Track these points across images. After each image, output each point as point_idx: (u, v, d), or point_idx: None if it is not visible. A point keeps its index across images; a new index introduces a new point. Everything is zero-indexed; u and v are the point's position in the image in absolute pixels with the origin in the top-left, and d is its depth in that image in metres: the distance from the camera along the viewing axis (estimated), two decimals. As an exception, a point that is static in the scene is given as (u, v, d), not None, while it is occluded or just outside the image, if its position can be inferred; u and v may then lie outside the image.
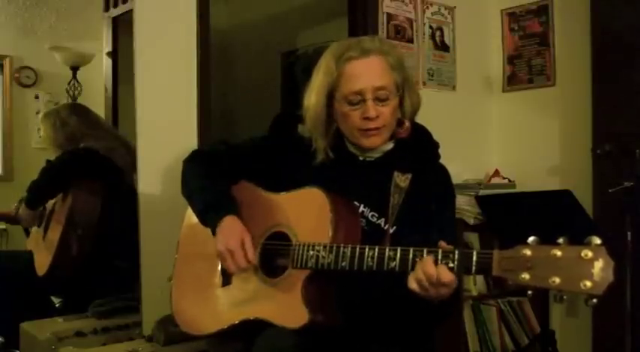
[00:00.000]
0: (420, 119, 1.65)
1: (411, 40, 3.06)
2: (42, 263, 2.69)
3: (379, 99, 1.50)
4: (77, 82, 3.69)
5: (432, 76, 3.15)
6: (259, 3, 4.32)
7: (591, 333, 2.86)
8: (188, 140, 2.28)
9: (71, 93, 3.69)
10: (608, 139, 2.58)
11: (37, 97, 3.85)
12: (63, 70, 3.69)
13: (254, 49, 4.42)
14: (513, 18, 3.32)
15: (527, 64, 3.26)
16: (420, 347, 1.56)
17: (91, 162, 2.76)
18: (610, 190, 2.25)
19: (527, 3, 3.25)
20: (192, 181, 1.65)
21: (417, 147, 1.62)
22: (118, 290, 2.62)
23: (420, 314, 1.43)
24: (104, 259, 2.69)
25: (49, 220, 2.81)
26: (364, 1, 2.90)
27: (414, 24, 3.08)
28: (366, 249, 1.34)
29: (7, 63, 3.82)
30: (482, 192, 2.77)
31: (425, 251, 1.27)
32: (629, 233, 2.20)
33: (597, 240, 1.06)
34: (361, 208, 1.55)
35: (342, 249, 1.37)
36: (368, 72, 1.51)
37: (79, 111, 2.93)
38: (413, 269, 1.28)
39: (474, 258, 1.21)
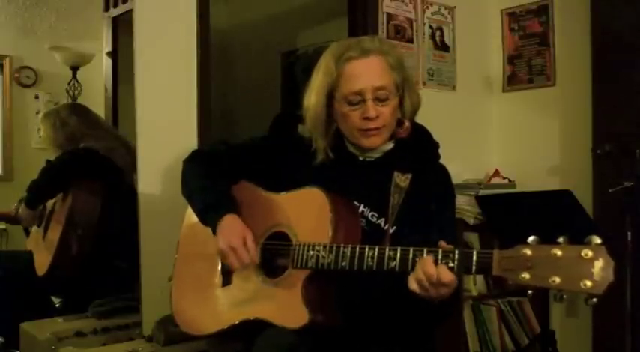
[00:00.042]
0: (420, 119, 1.65)
1: (411, 40, 3.06)
2: (42, 263, 2.69)
3: (379, 100, 1.50)
4: (77, 81, 3.69)
5: (432, 76, 3.15)
6: (259, 3, 4.32)
7: (591, 333, 2.86)
8: (188, 140, 2.28)
9: (71, 93, 3.69)
10: (608, 139, 2.58)
11: (37, 97, 3.85)
12: (63, 70, 3.68)
13: (254, 49, 4.42)
14: (513, 18, 3.32)
15: (527, 64, 3.26)
16: (420, 347, 1.56)
17: (91, 162, 2.76)
18: (610, 190, 2.25)
19: (527, 3, 3.25)
20: (192, 181, 1.65)
21: (417, 147, 1.62)
22: (118, 290, 2.62)
23: (420, 314, 1.43)
24: (104, 259, 2.69)
25: (49, 220, 2.81)
26: (364, 1, 2.90)
27: (414, 24, 3.08)
28: (366, 249, 1.34)
29: (7, 63, 3.82)
30: (482, 192, 2.77)
31: (425, 251, 1.27)
32: (629, 233, 2.20)
33: (597, 240, 1.06)
34: (361, 208, 1.55)
35: (342, 249, 1.37)
36: (368, 72, 1.51)
37: (79, 111, 2.93)
38: (413, 269, 1.28)
39: (474, 257, 1.21)
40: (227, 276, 1.59)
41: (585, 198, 2.69)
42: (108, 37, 3.24)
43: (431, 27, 3.15)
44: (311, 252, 1.41)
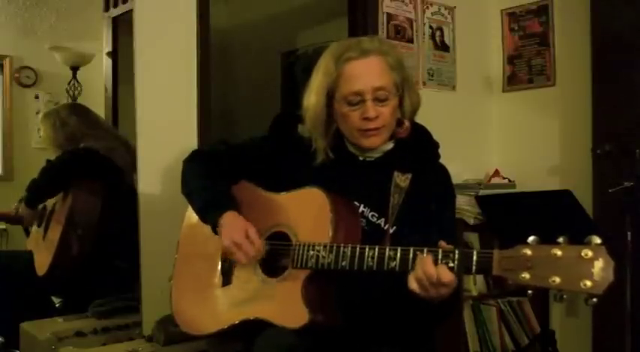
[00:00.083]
0: (420, 119, 1.65)
1: (411, 40, 3.06)
2: (42, 263, 2.69)
3: (378, 100, 1.50)
4: (77, 82, 3.69)
5: (432, 76, 3.15)
6: (259, 3, 4.32)
7: (591, 333, 2.86)
8: (188, 140, 2.28)
9: (71, 93, 3.69)
10: (608, 139, 2.58)
11: (37, 97, 3.85)
12: (63, 70, 3.68)
13: (254, 49, 4.42)
14: (513, 18, 3.32)
15: (527, 64, 3.26)
16: (420, 347, 1.56)
17: (91, 162, 2.76)
18: (610, 190, 2.25)
19: (527, 3, 3.25)
20: (193, 181, 1.65)
21: (417, 147, 1.61)
22: (118, 290, 2.62)
23: (420, 314, 1.43)
24: (104, 259, 2.69)
25: (49, 220, 2.81)
26: (364, 1, 2.90)
27: (414, 24, 3.08)
28: (366, 249, 1.34)
29: (7, 63, 3.82)
30: (482, 192, 2.77)
31: (425, 251, 1.27)
32: (629, 233, 2.20)
33: (597, 240, 1.06)
34: (361, 208, 1.55)
35: (342, 248, 1.37)
36: (367, 72, 1.50)
37: (78, 111, 2.93)
38: (413, 269, 1.28)
39: (474, 257, 1.21)
40: (227, 276, 1.59)
41: (585, 198, 2.69)
42: (108, 37, 3.24)
43: (431, 27, 3.15)
44: (311, 252, 1.41)
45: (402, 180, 1.54)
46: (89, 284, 2.65)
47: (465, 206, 2.70)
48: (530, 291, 1.12)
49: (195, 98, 2.33)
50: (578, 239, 1.09)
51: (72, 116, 2.86)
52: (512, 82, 3.34)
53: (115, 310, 2.49)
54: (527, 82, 3.27)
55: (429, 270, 1.24)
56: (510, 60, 3.34)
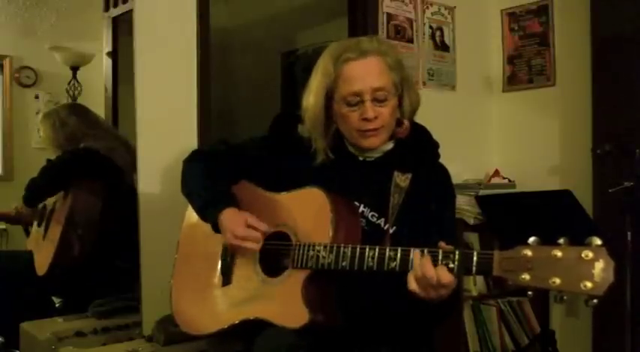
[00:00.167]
0: (419, 119, 1.65)
1: (411, 40, 3.06)
2: (42, 263, 2.69)
3: (377, 100, 1.50)
4: (77, 82, 3.69)
5: (432, 76, 3.15)
6: (259, 3, 4.31)
7: (591, 333, 2.86)
8: (188, 140, 2.28)
9: (71, 93, 3.69)
10: (608, 139, 2.57)
11: (37, 97, 3.84)
12: (63, 70, 3.68)
13: (254, 49, 4.42)
14: (513, 18, 3.32)
15: (527, 64, 3.26)
16: (420, 347, 1.56)
17: (91, 162, 2.76)
18: (610, 190, 2.25)
19: (527, 3, 3.25)
20: (192, 181, 1.65)
21: (417, 147, 1.61)
22: (118, 290, 2.62)
23: (420, 315, 1.42)
24: (104, 259, 2.69)
25: (49, 220, 2.81)
26: (364, 1, 2.90)
27: (414, 24, 3.08)
28: (367, 249, 1.34)
29: (7, 63, 3.81)
30: (482, 192, 2.77)
31: (426, 251, 1.27)
32: (629, 233, 2.20)
33: (598, 241, 1.06)
34: (361, 208, 1.55)
35: (342, 249, 1.37)
36: (366, 73, 1.50)
37: (78, 111, 2.93)
38: (413, 269, 1.28)
39: (475, 258, 1.21)
40: (227, 276, 1.59)
41: (585, 198, 2.70)
42: (108, 37, 3.24)
43: (431, 27, 3.15)
44: (311, 252, 1.41)
45: (402, 180, 1.54)
46: (89, 284, 2.65)
47: (465, 206, 2.70)
48: (530, 292, 1.12)
49: (195, 98, 2.33)
50: (578, 239, 1.09)
51: (72, 116, 2.86)
52: (512, 82, 3.34)
53: (115, 310, 2.49)
54: (527, 82, 3.27)
55: (429, 272, 1.24)
56: (510, 60, 3.34)
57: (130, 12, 2.53)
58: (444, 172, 1.64)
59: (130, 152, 2.62)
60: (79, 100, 3.58)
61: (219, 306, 1.58)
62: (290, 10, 4.24)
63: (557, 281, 1.08)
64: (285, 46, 4.32)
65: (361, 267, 1.34)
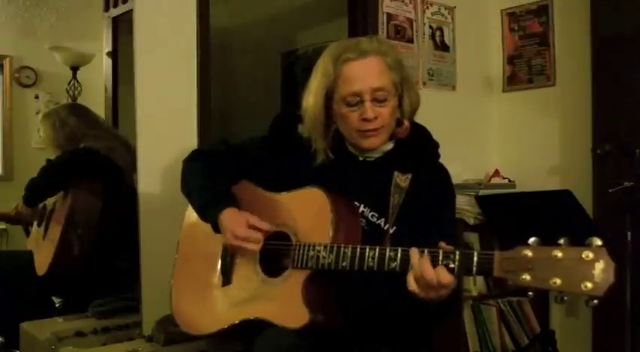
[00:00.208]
0: (419, 119, 1.65)
1: (411, 40, 3.06)
2: (42, 263, 2.69)
3: (377, 100, 1.50)
4: (77, 82, 3.69)
5: (432, 76, 3.14)
6: (259, 3, 4.31)
7: (591, 333, 2.86)
8: (188, 140, 2.28)
9: (71, 93, 3.69)
10: (608, 139, 2.58)
11: (37, 97, 3.84)
12: (63, 70, 3.68)
13: (254, 49, 4.42)
14: (513, 18, 3.32)
15: (527, 64, 3.26)
16: (419, 347, 1.56)
17: (91, 162, 2.76)
18: (610, 190, 2.25)
19: (527, 3, 3.25)
20: (192, 181, 1.65)
21: (417, 147, 1.61)
22: (118, 290, 2.62)
23: (420, 315, 1.42)
24: (104, 259, 2.69)
25: (49, 220, 2.81)
26: (364, 1, 2.90)
27: (414, 24, 3.08)
28: (367, 250, 1.34)
29: (7, 63, 3.81)
30: (482, 192, 2.77)
31: (426, 251, 1.27)
32: (629, 233, 2.20)
33: (598, 241, 1.06)
34: (361, 208, 1.55)
35: (342, 249, 1.37)
36: (365, 73, 1.50)
37: (78, 111, 2.93)
38: (413, 269, 1.28)
39: (475, 258, 1.21)
40: (227, 276, 1.59)
41: (585, 198, 2.70)
42: (108, 37, 3.24)
43: (431, 27, 3.15)
44: (311, 252, 1.41)
45: (402, 180, 1.54)
46: (89, 284, 2.65)
47: (465, 206, 2.70)
48: (530, 293, 1.12)
49: (195, 98, 2.33)
50: (578, 239, 1.09)
51: (72, 116, 2.86)
52: (512, 82, 3.34)
53: (115, 310, 2.49)
54: (527, 82, 3.27)
55: (429, 273, 1.24)
56: (510, 60, 3.34)
57: (130, 12, 2.52)
58: (444, 172, 1.64)
59: (130, 152, 2.62)
60: (79, 100, 3.58)
61: (219, 306, 1.58)
62: (290, 10, 4.24)
63: (558, 281, 1.08)
64: (285, 46, 4.32)
65: (361, 267, 1.34)
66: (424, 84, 3.10)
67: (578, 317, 2.99)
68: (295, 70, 4.19)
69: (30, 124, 3.77)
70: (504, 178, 3.17)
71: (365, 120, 1.50)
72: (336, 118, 1.57)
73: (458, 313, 2.67)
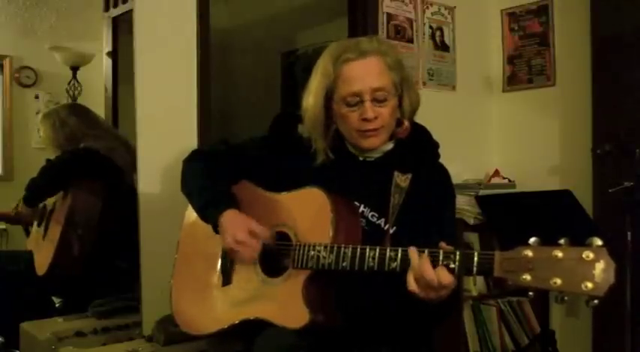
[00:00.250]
0: (419, 119, 1.65)
1: (411, 40, 3.06)
2: (42, 263, 2.69)
3: (377, 100, 1.50)
4: (77, 82, 3.69)
5: (432, 76, 3.14)
6: (259, 3, 4.31)
7: (591, 333, 2.86)
8: (188, 140, 2.28)
9: (71, 93, 3.69)
10: (608, 139, 2.58)
11: (37, 97, 3.85)
12: (63, 70, 3.68)
13: (254, 49, 4.42)
14: (513, 18, 3.32)
15: (527, 64, 3.26)
16: (419, 347, 1.56)
17: (91, 162, 2.76)
18: (610, 190, 2.25)
19: (527, 3, 3.25)
20: (193, 181, 1.65)
21: (417, 147, 1.61)
22: (118, 290, 2.62)
23: (420, 315, 1.42)
24: (104, 259, 2.69)
25: (49, 220, 2.81)
26: (364, 1, 2.90)
27: (414, 24, 3.08)
28: (367, 250, 1.34)
29: (7, 63, 3.81)
30: (482, 192, 2.77)
31: (426, 251, 1.27)
32: (629, 233, 2.20)
33: (598, 241, 1.06)
34: (361, 208, 1.55)
35: (342, 249, 1.37)
36: (365, 73, 1.50)
37: (78, 111, 2.93)
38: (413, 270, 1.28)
39: (476, 258, 1.21)
40: (227, 276, 1.59)
41: (585, 198, 2.70)
42: (108, 37, 3.24)
43: (431, 27, 3.15)
44: (312, 252, 1.41)
45: (402, 180, 1.54)
46: (89, 284, 2.65)
47: (465, 206, 2.70)
48: (531, 293, 1.12)
49: (195, 98, 2.33)
50: (578, 239, 1.09)
51: (72, 116, 2.86)
52: (512, 82, 3.34)
53: (115, 310, 2.49)
54: (527, 82, 3.27)
55: (429, 274, 1.24)
56: (510, 60, 3.34)
57: (130, 12, 2.52)
58: (444, 172, 1.64)
59: (130, 152, 2.62)
60: (79, 100, 3.59)
61: (220, 306, 1.58)
62: (290, 10, 4.24)
63: (558, 281, 1.08)
64: (285, 46, 4.32)
65: (362, 268, 1.34)
66: (424, 84, 3.10)
67: (578, 317, 2.99)
68: (295, 70, 4.19)
69: (30, 124, 3.78)
70: (504, 178, 3.17)
71: (365, 120, 1.50)
72: (336, 118, 1.57)
73: (458, 313, 2.67)
